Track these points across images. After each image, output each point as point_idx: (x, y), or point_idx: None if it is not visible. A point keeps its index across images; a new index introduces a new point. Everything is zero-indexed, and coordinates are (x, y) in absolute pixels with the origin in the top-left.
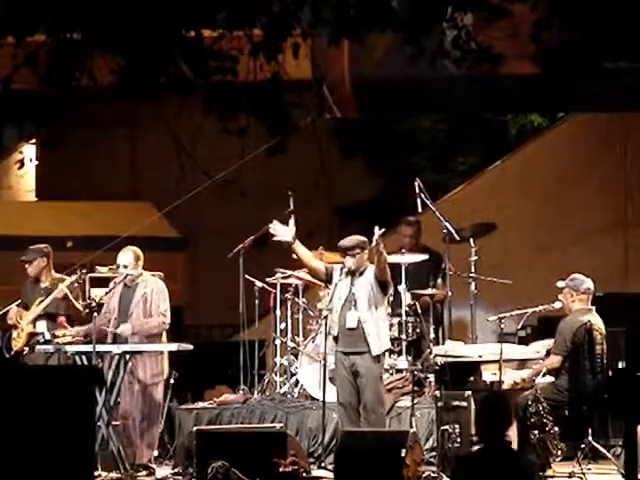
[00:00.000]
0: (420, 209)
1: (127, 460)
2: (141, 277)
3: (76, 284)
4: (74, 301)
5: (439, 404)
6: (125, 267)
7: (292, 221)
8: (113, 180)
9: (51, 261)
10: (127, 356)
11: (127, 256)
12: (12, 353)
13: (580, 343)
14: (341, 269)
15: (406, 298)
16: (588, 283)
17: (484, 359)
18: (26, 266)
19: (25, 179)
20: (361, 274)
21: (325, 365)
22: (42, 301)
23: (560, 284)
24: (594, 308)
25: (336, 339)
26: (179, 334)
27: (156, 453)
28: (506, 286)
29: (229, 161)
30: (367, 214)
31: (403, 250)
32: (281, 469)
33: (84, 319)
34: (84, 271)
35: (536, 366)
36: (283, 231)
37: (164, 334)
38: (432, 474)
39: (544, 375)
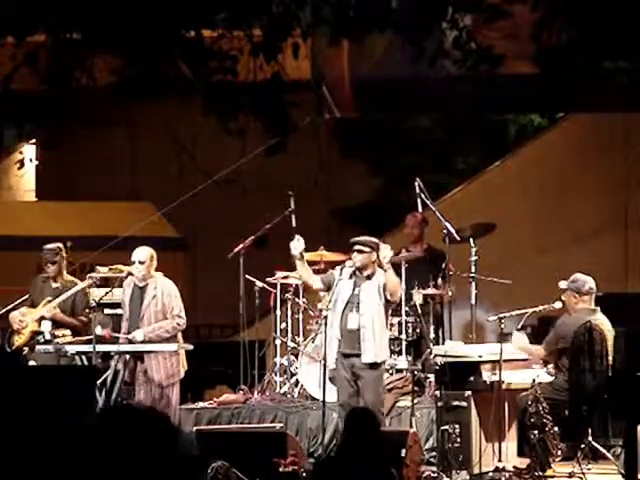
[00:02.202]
0: (420, 209)
1: None
2: (152, 278)
3: (88, 289)
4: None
5: (439, 404)
6: (141, 263)
7: (301, 239)
8: (113, 180)
9: (64, 261)
10: (127, 356)
11: (143, 252)
12: (12, 349)
13: (580, 343)
14: (341, 269)
15: (415, 298)
16: (590, 283)
17: (484, 359)
18: (48, 265)
19: (25, 179)
20: (368, 278)
21: (325, 365)
22: (50, 301)
23: (562, 285)
24: (599, 308)
25: (338, 340)
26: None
27: None
28: (506, 286)
29: (229, 161)
30: (367, 214)
31: (404, 250)
32: (281, 469)
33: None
34: (94, 275)
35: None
36: (296, 245)
37: (180, 334)
38: (432, 474)
39: (546, 370)
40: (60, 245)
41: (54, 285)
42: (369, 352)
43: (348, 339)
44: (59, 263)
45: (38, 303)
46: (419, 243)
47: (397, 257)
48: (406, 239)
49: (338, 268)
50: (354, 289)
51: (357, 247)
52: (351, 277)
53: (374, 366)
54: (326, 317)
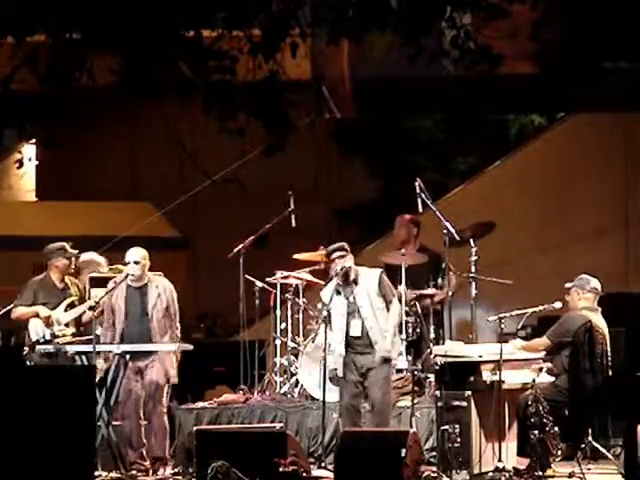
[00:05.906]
0: (420, 209)
1: (127, 460)
2: (147, 277)
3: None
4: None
5: (439, 404)
6: (137, 263)
7: None
8: (113, 180)
9: (67, 261)
10: (127, 356)
11: (138, 252)
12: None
13: (580, 343)
14: (326, 283)
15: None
16: (594, 282)
17: (484, 359)
18: (57, 266)
19: (25, 179)
20: (355, 282)
21: (325, 365)
22: (69, 304)
23: (568, 285)
24: (600, 309)
25: (346, 345)
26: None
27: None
28: (506, 286)
29: (229, 161)
30: (367, 214)
31: (402, 251)
32: (281, 469)
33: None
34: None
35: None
36: None
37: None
38: (432, 474)
39: (546, 370)
40: (65, 245)
41: (60, 286)
42: (381, 351)
43: (356, 343)
44: (65, 263)
45: (51, 306)
46: (410, 245)
47: (397, 258)
48: (396, 241)
49: (326, 290)
50: (348, 299)
51: (338, 253)
52: (339, 293)
53: (386, 361)
54: (326, 317)
